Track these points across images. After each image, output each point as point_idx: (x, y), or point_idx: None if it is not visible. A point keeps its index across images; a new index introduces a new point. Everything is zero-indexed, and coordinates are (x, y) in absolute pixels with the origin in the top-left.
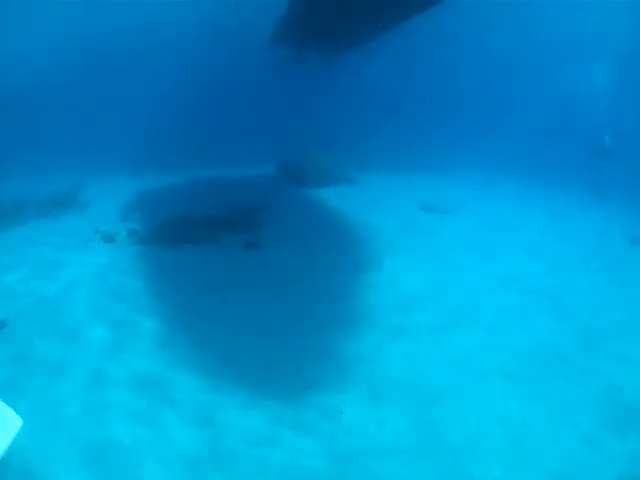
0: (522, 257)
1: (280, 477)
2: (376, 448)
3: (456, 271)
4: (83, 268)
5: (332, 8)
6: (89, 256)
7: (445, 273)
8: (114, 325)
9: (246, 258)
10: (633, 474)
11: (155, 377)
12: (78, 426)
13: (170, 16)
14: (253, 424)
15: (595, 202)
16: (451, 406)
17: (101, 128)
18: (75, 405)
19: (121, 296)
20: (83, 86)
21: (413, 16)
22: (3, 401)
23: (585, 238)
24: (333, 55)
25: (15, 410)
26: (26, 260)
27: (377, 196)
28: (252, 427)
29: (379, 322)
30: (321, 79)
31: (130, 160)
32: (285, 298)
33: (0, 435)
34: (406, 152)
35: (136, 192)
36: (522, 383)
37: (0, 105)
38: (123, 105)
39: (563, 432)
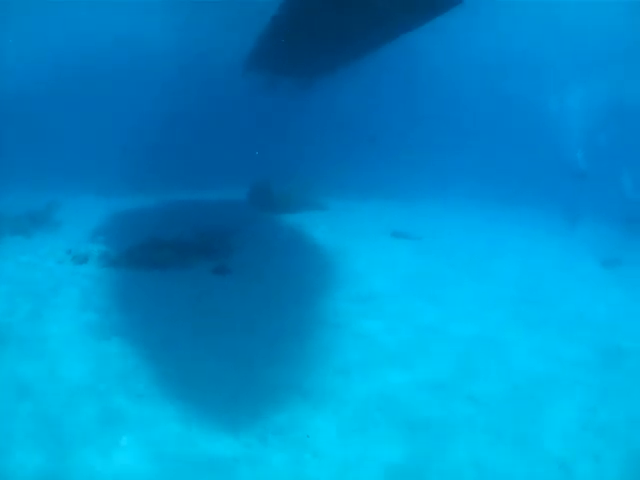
0: (490, 284)
1: None
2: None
3: (423, 301)
4: (53, 289)
5: (305, 35)
6: (60, 276)
7: (411, 303)
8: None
9: (215, 284)
10: None
11: (118, 406)
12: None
13: (147, 36)
14: (219, 451)
15: (568, 225)
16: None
17: (77, 147)
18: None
19: (89, 323)
20: (60, 103)
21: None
22: None
23: (558, 261)
24: (306, 81)
25: None
26: None
27: (347, 222)
28: (217, 453)
29: (345, 353)
30: (293, 105)
31: (105, 180)
32: (252, 327)
33: None
34: (377, 178)
35: (110, 213)
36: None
37: None
38: (99, 124)
39: None
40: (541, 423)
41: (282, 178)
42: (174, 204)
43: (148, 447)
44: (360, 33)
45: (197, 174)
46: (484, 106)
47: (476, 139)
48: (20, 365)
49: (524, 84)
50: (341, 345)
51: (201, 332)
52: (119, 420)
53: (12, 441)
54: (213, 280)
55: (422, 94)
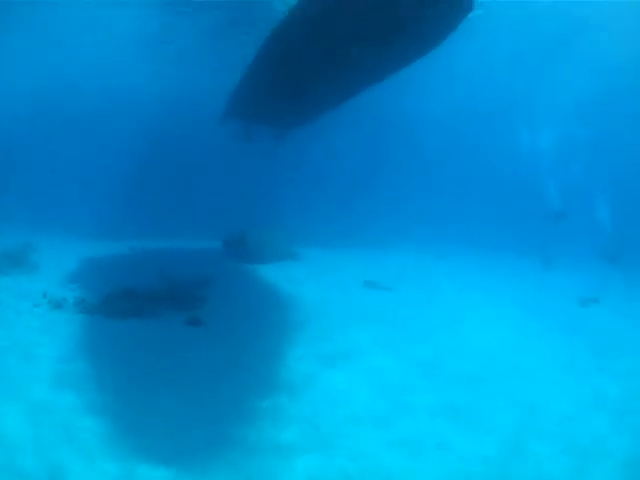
0: (466, 331)
1: None
2: None
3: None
4: (27, 333)
5: (281, 83)
6: (34, 321)
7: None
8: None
9: (186, 336)
10: None
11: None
12: None
13: (125, 81)
14: None
15: (545, 267)
16: None
17: (54, 190)
18: None
19: (60, 376)
20: (38, 145)
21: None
22: None
23: (536, 303)
24: (282, 131)
25: None
26: None
27: (321, 273)
28: None
29: (313, 413)
30: (268, 154)
31: (81, 223)
32: (221, 383)
33: None
34: (350, 227)
35: (85, 257)
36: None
37: None
38: (76, 167)
39: None
40: None
41: (257, 227)
42: (149, 251)
43: None
44: (335, 82)
45: (172, 221)
46: (455, 151)
47: (448, 184)
48: None
49: (495, 127)
50: (297, 412)
51: (163, 386)
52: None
53: None
54: (185, 332)
55: (393, 142)
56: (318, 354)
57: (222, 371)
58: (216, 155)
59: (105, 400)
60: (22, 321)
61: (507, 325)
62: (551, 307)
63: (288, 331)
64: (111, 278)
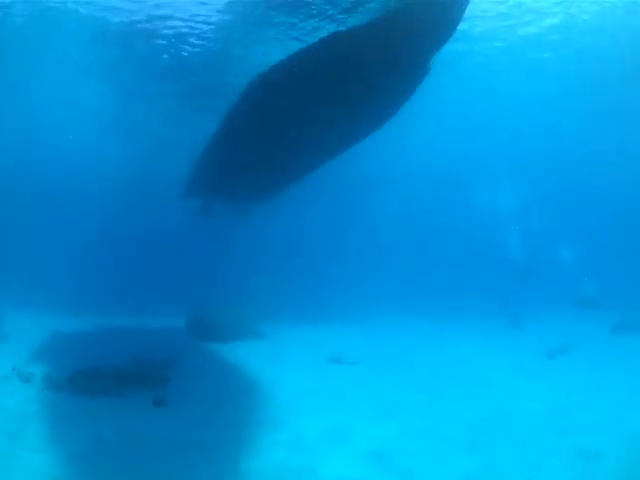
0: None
1: None
2: None
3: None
4: None
5: (241, 157)
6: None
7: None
8: None
9: (152, 417)
10: None
11: None
12: None
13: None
14: None
15: (512, 324)
16: None
17: (22, 261)
18: None
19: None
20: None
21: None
22: None
23: (508, 358)
24: (244, 206)
25: None
26: None
27: (285, 351)
28: None
29: None
30: (230, 230)
31: (49, 297)
32: (186, 465)
33: None
34: (318, 302)
35: (53, 332)
36: None
37: None
38: (42, 241)
39: None
40: None
41: (221, 305)
42: (113, 328)
43: None
44: (297, 155)
45: (137, 299)
46: (418, 220)
47: (412, 253)
48: None
49: (454, 189)
50: None
51: (127, 467)
52: None
53: None
54: (151, 412)
55: (354, 213)
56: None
57: (188, 453)
58: (179, 231)
59: None
60: None
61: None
62: (516, 365)
63: (248, 416)
64: (77, 354)
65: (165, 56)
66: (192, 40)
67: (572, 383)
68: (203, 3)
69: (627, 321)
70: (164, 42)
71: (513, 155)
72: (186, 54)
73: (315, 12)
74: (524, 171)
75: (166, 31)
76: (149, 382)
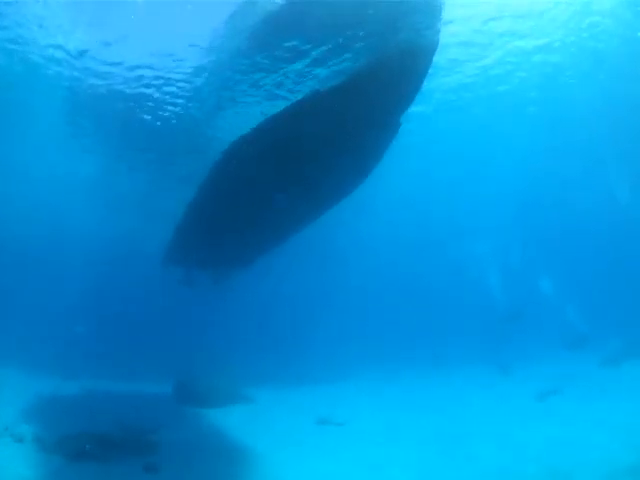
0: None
1: None
2: None
3: None
4: None
5: (219, 224)
6: None
7: None
8: None
9: None
10: None
11: None
12: None
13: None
14: None
15: (503, 372)
16: None
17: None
18: None
19: None
20: None
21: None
22: None
23: (491, 410)
24: (224, 273)
25: None
26: None
27: (272, 415)
28: None
29: None
30: (213, 297)
31: (42, 359)
32: None
33: None
34: (302, 364)
35: (42, 394)
36: None
37: None
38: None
39: None
40: None
41: (207, 371)
42: (101, 393)
43: None
44: (272, 224)
45: (123, 362)
46: (401, 273)
47: (398, 308)
48: None
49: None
50: None
51: None
52: None
53: None
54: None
55: (337, 274)
56: None
57: None
58: (163, 298)
59: None
60: None
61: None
62: (505, 411)
63: None
64: (67, 418)
65: (142, 120)
66: (168, 105)
67: (564, 424)
68: (179, 63)
69: (614, 353)
70: (140, 106)
71: (494, 204)
72: (162, 119)
73: (293, 72)
74: (505, 219)
75: (142, 95)
76: (138, 448)
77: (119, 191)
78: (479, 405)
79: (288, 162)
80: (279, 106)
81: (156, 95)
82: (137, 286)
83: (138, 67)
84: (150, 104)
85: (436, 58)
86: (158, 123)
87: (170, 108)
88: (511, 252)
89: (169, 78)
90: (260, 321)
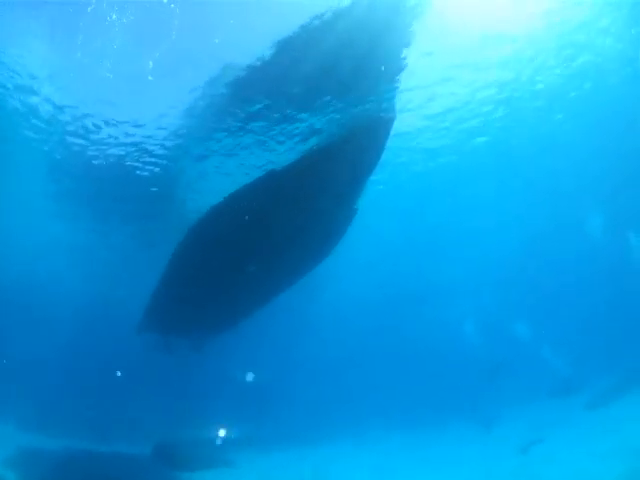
0: None
1: None
2: None
3: None
4: None
5: (192, 292)
6: None
7: None
8: None
9: None
10: None
11: None
12: None
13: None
14: None
15: (486, 427)
16: None
17: None
18: None
19: None
20: None
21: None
22: None
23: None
24: (201, 340)
25: None
26: None
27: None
28: None
29: None
30: (193, 361)
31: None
32: None
33: None
34: (282, 427)
35: (21, 447)
36: None
37: None
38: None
39: None
40: None
41: (188, 433)
42: (82, 453)
43: None
44: (246, 291)
45: (103, 425)
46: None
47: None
48: None
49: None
50: None
51: None
52: None
53: None
54: None
55: (317, 336)
56: None
57: None
58: (142, 362)
59: None
60: None
61: None
62: (489, 467)
63: None
64: (48, 474)
65: (119, 184)
66: (144, 170)
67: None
68: (156, 129)
69: (598, 396)
70: (116, 169)
71: (469, 258)
72: (140, 182)
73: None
74: (481, 271)
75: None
76: None
77: (96, 255)
78: (462, 463)
79: (254, 235)
80: (250, 175)
81: (134, 156)
82: (116, 350)
83: (116, 124)
84: (128, 164)
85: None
86: (135, 187)
87: (146, 174)
88: (487, 302)
89: (147, 142)
90: (238, 385)
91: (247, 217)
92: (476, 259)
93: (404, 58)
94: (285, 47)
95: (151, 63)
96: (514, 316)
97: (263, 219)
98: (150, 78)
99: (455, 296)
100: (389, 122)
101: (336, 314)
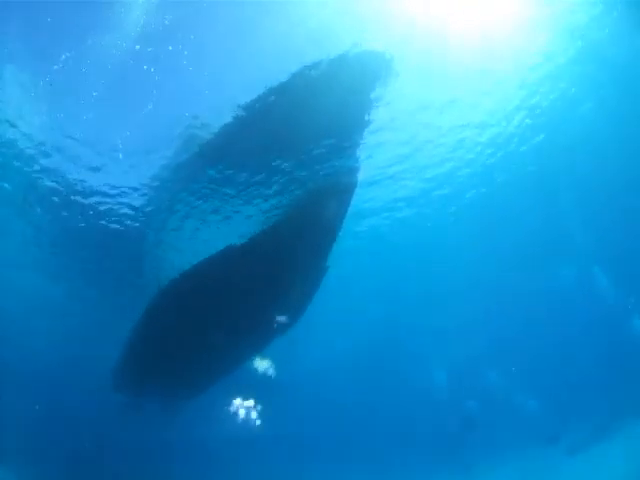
0: None
1: None
2: None
3: None
4: None
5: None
6: None
7: None
8: None
9: None
10: None
11: None
12: None
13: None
14: None
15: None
16: None
17: None
18: None
19: None
20: None
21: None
22: None
23: None
24: (174, 403)
25: None
26: None
27: None
28: None
29: None
30: (162, 427)
31: None
32: None
33: None
34: None
35: None
36: None
37: None
38: None
39: None
40: None
41: None
42: None
43: None
44: (212, 357)
45: None
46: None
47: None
48: None
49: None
50: None
51: None
52: None
53: None
54: None
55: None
56: None
57: None
58: (115, 422)
59: None
60: None
61: None
62: None
63: None
64: None
65: (93, 243)
66: (109, 234)
67: None
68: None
69: (578, 441)
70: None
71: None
72: (112, 244)
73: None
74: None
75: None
76: None
77: (69, 312)
78: None
79: (221, 303)
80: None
81: (105, 219)
82: (88, 409)
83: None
84: (100, 225)
85: None
86: (105, 249)
87: (115, 238)
88: (462, 352)
89: (118, 208)
90: (210, 448)
91: (213, 286)
92: (450, 311)
93: (367, 121)
94: (247, 115)
95: (120, 144)
96: (488, 366)
97: (229, 288)
98: (120, 156)
99: (429, 347)
100: (351, 186)
101: (311, 372)
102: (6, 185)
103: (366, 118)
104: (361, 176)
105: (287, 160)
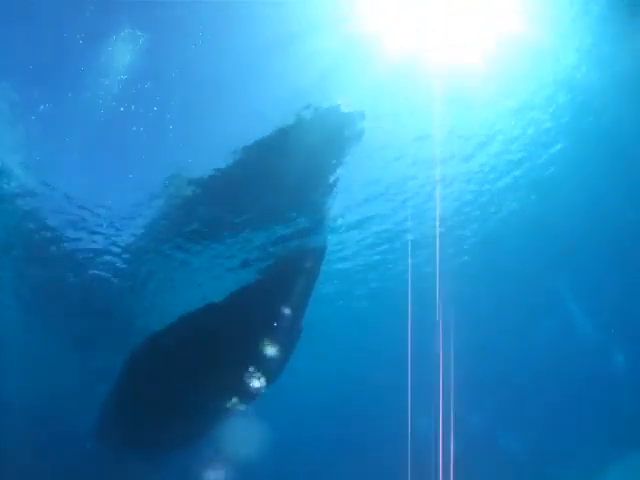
0: None
1: None
2: None
3: None
4: None
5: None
6: None
7: None
8: None
9: None
10: None
11: None
12: None
13: None
14: None
15: None
16: None
17: None
18: None
19: None
20: None
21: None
22: None
23: None
24: (156, 456)
25: None
26: None
27: None
28: None
29: None
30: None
31: None
32: None
33: None
34: None
35: None
36: None
37: None
38: None
39: None
40: None
41: None
42: None
43: None
44: (190, 414)
45: None
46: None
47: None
48: None
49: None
50: None
51: None
52: None
53: None
54: None
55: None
56: None
57: None
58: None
59: None
60: None
61: None
62: None
63: None
64: None
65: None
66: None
67: None
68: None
69: None
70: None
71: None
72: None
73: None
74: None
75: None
76: None
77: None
78: None
79: (197, 361)
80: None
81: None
82: (71, 461)
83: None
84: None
85: None
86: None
87: (94, 290)
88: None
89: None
90: None
91: (188, 345)
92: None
93: (335, 183)
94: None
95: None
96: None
97: (204, 347)
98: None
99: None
100: (321, 250)
101: (289, 431)
102: None
103: (330, 181)
104: None
105: (262, 222)
